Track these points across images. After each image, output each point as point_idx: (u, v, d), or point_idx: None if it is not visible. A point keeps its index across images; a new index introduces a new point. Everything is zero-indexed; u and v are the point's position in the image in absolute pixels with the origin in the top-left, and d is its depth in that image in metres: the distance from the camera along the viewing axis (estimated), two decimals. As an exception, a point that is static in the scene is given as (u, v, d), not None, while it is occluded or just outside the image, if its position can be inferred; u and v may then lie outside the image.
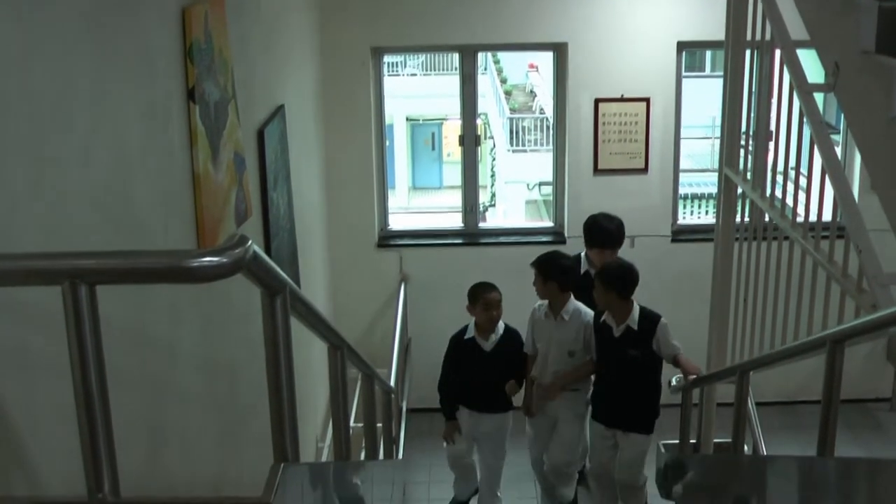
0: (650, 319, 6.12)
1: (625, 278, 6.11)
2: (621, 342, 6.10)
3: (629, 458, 6.30)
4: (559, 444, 6.66)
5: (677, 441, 6.53)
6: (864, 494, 3.53)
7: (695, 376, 6.08)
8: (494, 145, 23.57)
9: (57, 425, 2.26)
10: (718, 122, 6.70)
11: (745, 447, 5.46)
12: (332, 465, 4.10)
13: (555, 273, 6.38)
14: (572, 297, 6.47)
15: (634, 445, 6.27)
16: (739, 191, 6.21)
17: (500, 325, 6.64)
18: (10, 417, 2.15)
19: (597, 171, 9.09)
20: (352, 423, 5.85)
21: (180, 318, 3.54)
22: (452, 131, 13.70)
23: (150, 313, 3.16)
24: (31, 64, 2.31)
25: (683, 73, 9.30)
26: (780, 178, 5.59)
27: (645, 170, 9.13)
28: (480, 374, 6.61)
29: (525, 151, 22.78)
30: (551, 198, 10.01)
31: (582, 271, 6.80)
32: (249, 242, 2.00)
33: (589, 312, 6.43)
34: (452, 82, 10.27)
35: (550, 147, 9.89)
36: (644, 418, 6.26)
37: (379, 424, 5.72)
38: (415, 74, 25.46)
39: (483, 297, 6.49)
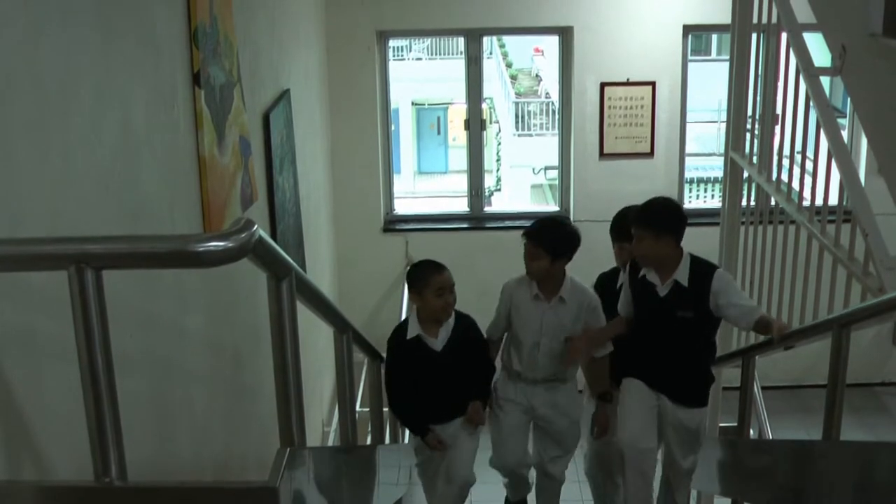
0: (703, 271, 4.70)
1: (668, 213, 4.73)
2: (668, 302, 4.70)
3: (682, 439, 4.92)
4: (556, 451, 5.30)
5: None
6: (869, 478, 3.53)
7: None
8: (500, 130, 23.55)
9: (64, 410, 2.26)
10: (724, 105, 6.69)
11: (751, 431, 5.46)
12: (339, 449, 4.10)
13: (566, 248, 4.96)
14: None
15: (689, 422, 4.88)
16: (745, 174, 6.21)
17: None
18: (18, 402, 2.16)
19: (602, 155, 9.09)
20: (358, 408, 5.86)
21: (187, 301, 3.54)
22: (458, 115, 13.70)
23: (156, 297, 3.17)
24: (36, 48, 2.31)
25: (689, 57, 9.29)
26: (786, 162, 5.58)
27: (651, 154, 9.12)
28: (435, 383, 4.98)
29: (531, 136, 22.75)
30: (557, 182, 10.00)
31: (619, 284, 5.20)
32: (255, 227, 2.00)
33: (588, 288, 5.15)
34: (458, 66, 10.25)
35: (556, 131, 9.89)
36: (698, 388, 4.92)
37: (385, 409, 5.73)
38: (420, 59, 25.43)
39: (434, 280, 4.87)
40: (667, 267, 4.69)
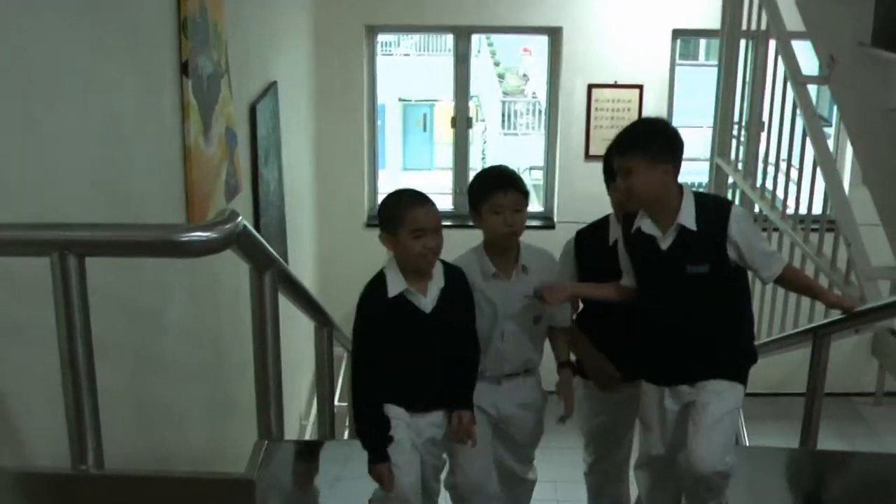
0: (715, 209, 3.61)
1: (665, 133, 3.63)
2: (673, 256, 3.58)
3: (707, 420, 3.55)
4: (521, 452, 4.24)
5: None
6: (845, 486, 3.55)
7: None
8: (486, 128, 23.58)
9: (43, 397, 2.25)
10: (711, 110, 6.70)
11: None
12: (316, 443, 4.10)
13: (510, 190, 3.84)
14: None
15: (717, 399, 3.58)
16: (730, 181, 6.22)
17: (437, 265, 3.68)
18: (-4, 387, 2.15)
19: (588, 156, 9.09)
20: (336, 402, 5.85)
21: (168, 291, 3.53)
22: (445, 113, 13.67)
23: (137, 286, 3.15)
24: (23, 36, 2.29)
25: (677, 61, 9.30)
26: (771, 170, 5.60)
27: (637, 157, 9.11)
28: (421, 357, 3.62)
29: (517, 135, 22.77)
30: (542, 182, 10.01)
31: (610, 241, 4.05)
32: (240, 218, 2.00)
33: (549, 253, 4.11)
34: (446, 63, 10.25)
35: (542, 131, 9.89)
36: (730, 361, 3.67)
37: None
38: (408, 55, 25.42)
39: (412, 216, 3.49)
40: (665, 210, 3.59)
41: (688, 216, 3.54)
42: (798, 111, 4.92)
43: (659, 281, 3.66)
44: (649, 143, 3.53)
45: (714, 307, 3.61)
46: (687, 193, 3.58)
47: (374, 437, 3.57)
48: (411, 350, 3.58)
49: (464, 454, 3.94)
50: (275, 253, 2.44)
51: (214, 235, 1.92)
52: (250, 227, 2.10)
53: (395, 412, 3.64)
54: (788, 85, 5.00)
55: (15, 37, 2.25)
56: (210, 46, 4.04)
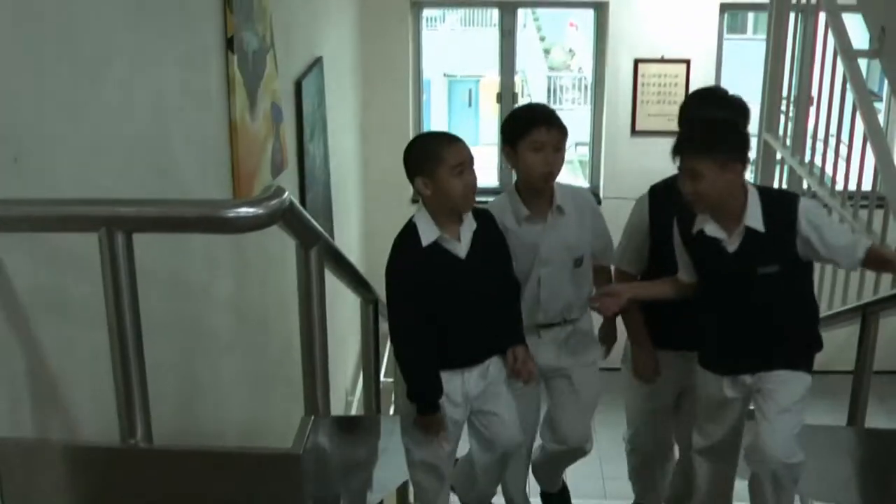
0: (781, 206, 3.43)
1: (734, 130, 3.47)
2: (742, 259, 3.42)
3: (774, 409, 3.49)
4: (575, 411, 3.95)
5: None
6: (894, 465, 3.52)
7: None
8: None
9: (92, 372, 2.28)
10: (759, 85, 6.63)
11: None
12: (362, 418, 4.12)
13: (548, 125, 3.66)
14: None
15: (783, 388, 3.51)
16: (778, 156, 6.17)
17: None
18: (48, 363, 2.17)
19: (634, 132, 9.03)
20: (382, 378, 5.87)
21: (215, 267, 3.55)
22: (490, 88, 13.64)
23: (184, 262, 3.17)
24: (68, 10, 2.30)
25: (725, 35, 9.21)
26: (819, 145, 5.54)
27: (683, 132, 9.04)
28: (460, 305, 3.46)
29: (562, 110, 22.70)
30: (587, 158, 9.97)
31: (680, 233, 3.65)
32: (286, 194, 2.00)
33: (585, 190, 4.10)
34: (492, 36, 10.22)
35: (588, 106, 9.84)
36: (795, 351, 3.59)
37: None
38: (454, 30, 25.38)
39: (450, 152, 3.37)
40: (729, 211, 3.41)
41: (754, 217, 3.38)
42: (848, 85, 4.86)
43: (726, 282, 3.52)
44: (722, 144, 3.33)
45: (780, 302, 3.48)
46: (751, 191, 3.41)
47: (432, 393, 3.47)
48: (451, 298, 3.44)
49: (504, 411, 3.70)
50: (321, 228, 2.44)
51: (260, 211, 1.93)
52: (296, 203, 2.10)
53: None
54: (838, 59, 4.94)
55: (60, 15, 2.26)
56: (255, 21, 4.04)
